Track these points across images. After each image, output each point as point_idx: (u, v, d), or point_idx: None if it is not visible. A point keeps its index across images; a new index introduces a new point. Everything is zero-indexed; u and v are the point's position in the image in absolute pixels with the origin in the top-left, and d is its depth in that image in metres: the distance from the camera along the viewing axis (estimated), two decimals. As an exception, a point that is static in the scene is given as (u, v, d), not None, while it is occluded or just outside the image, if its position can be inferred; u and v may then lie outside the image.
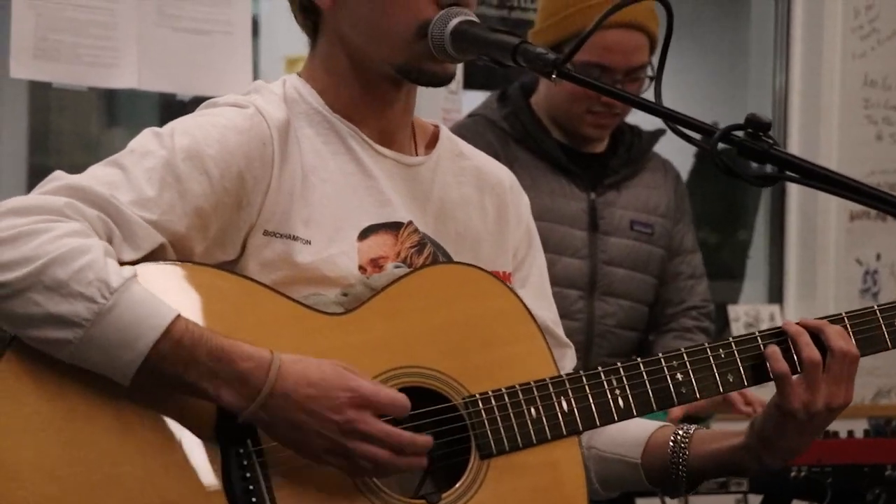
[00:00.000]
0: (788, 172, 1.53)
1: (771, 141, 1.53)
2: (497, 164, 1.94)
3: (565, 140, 2.79)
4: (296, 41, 4.94)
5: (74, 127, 6.30)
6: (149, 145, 1.64)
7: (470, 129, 2.73)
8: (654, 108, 1.58)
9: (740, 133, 1.54)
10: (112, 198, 1.58)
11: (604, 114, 2.73)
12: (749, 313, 4.02)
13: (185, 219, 1.61)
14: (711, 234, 4.28)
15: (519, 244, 1.92)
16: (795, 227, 4.08)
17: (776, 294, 4.13)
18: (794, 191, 4.05)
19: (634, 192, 2.83)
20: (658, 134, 2.90)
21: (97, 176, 1.61)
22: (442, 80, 1.76)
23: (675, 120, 1.57)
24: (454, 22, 1.68)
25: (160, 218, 1.60)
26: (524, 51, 1.61)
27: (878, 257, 4.08)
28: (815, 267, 4.04)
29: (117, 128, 6.51)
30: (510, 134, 2.76)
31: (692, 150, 4.08)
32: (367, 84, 1.77)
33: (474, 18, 1.69)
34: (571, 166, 2.77)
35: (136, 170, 1.61)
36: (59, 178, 1.60)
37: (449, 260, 1.80)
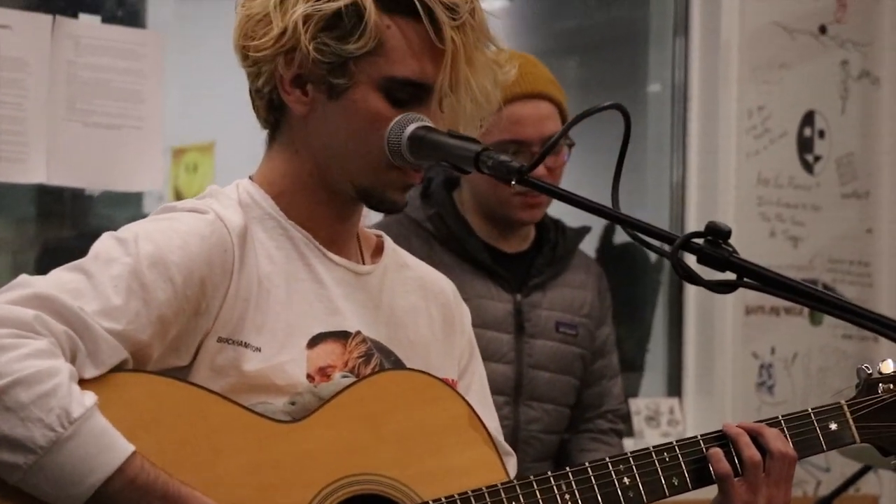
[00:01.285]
0: (747, 279, 1.55)
1: (731, 248, 1.55)
2: (438, 274, 1.95)
3: (490, 239, 2.74)
4: (180, 133, 4.89)
5: (-56, 217, 6.16)
6: (113, 252, 1.61)
7: (393, 231, 2.65)
8: (612, 215, 1.60)
9: (700, 240, 1.55)
10: (80, 310, 1.54)
11: (531, 193, 2.65)
12: (650, 406, 4.05)
13: (150, 327, 1.59)
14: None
15: (462, 352, 1.93)
16: (693, 321, 4.13)
17: (675, 386, 4.17)
18: (692, 286, 4.10)
19: (559, 293, 2.79)
20: (583, 232, 2.88)
21: (63, 283, 1.57)
22: (398, 210, 1.78)
23: (634, 227, 1.59)
24: (411, 127, 1.68)
25: (126, 328, 1.57)
26: (487, 158, 1.62)
27: (773, 351, 4.15)
28: (713, 360, 4.09)
29: (-8, 218, 6.38)
30: (435, 236, 2.71)
31: (592, 243, 4.13)
32: (327, 197, 1.76)
33: (430, 124, 1.69)
34: (496, 268, 2.72)
35: (101, 277, 1.57)
36: (25, 284, 1.56)
37: (398, 366, 1.79)
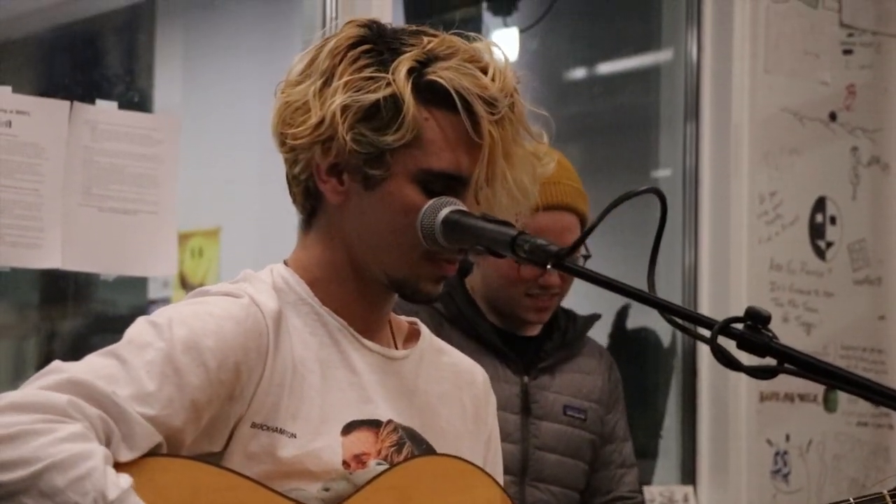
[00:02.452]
0: (787, 365, 1.53)
1: (770, 333, 1.53)
2: (471, 362, 1.93)
3: (500, 323, 2.76)
4: (186, 217, 4.91)
5: (-55, 302, 6.15)
6: (146, 336, 1.59)
7: (403, 308, 2.69)
8: (650, 299, 1.58)
9: (739, 325, 1.54)
10: (113, 394, 1.53)
11: (542, 296, 2.71)
12: (664, 494, 4.01)
13: (183, 412, 1.57)
14: (624, 414, 4.29)
15: (484, 442, 1.90)
16: (706, 408, 4.10)
17: (689, 474, 4.12)
18: (705, 371, 4.08)
19: (568, 377, 2.80)
20: (593, 319, 2.89)
21: (96, 368, 1.55)
22: (432, 301, 1.76)
23: (671, 311, 1.57)
24: (445, 211, 1.67)
25: (159, 413, 1.55)
26: (523, 242, 1.61)
27: (788, 438, 4.11)
28: (727, 448, 4.05)
29: (-5, 303, 6.37)
30: (444, 315, 2.73)
31: (605, 328, 4.11)
32: (360, 286, 1.75)
33: (464, 208, 1.68)
34: (505, 349, 2.74)
35: (135, 362, 1.56)
36: (59, 370, 1.55)
37: (430, 453, 1.77)
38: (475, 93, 1.68)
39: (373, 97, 1.66)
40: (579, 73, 5.06)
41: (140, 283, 4.24)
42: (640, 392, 4.22)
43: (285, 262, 1.78)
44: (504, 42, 4.49)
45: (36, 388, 1.53)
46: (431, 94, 1.68)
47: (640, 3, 4.53)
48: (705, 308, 4.08)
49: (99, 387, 1.53)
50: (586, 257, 2.75)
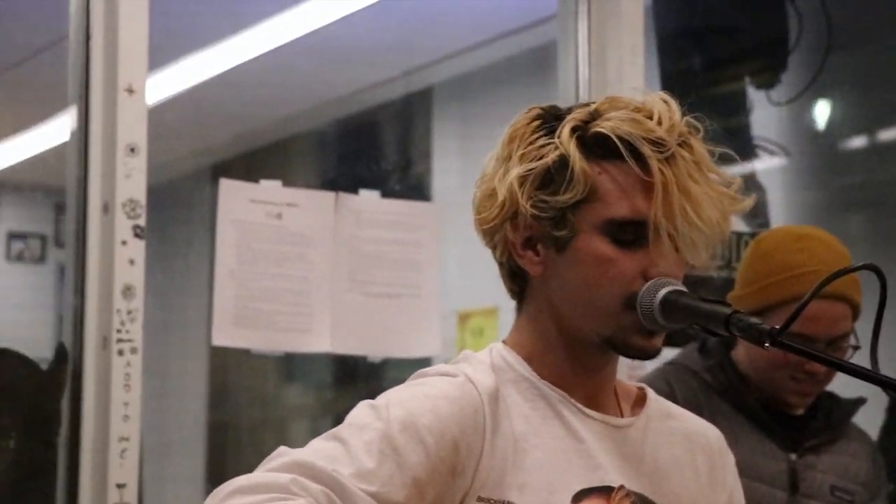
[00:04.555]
0: None
1: None
2: (704, 423, 1.93)
3: (764, 399, 2.76)
4: (467, 297, 4.99)
5: (251, 384, 6.50)
6: (365, 418, 1.68)
7: (672, 376, 2.73)
8: (873, 377, 1.56)
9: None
10: (334, 472, 1.60)
11: (806, 382, 2.69)
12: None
13: (404, 489, 1.63)
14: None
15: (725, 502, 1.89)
16: None
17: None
18: None
19: (834, 458, 2.76)
20: (858, 403, 2.84)
21: (318, 450, 1.64)
22: (649, 355, 1.76)
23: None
24: (663, 292, 1.70)
25: (380, 489, 1.62)
26: (737, 321, 1.62)
27: None
28: None
29: (293, 384, 6.67)
30: (713, 386, 2.74)
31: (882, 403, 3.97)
32: (575, 352, 1.79)
33: (682, 288, 1.71)
34: (773, 425, 2.73)
35: (355, 443, 1.64)
36: (283, 454, 1.64)
37: None
38: (639, 136, 1.70)
39: (544, 163, 1.73)
40: (852, 142, 4.96)
41: (424, 364, 4.38)
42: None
43: (504, 342, 1.84)
44: (767, 115, 4.46)
45: (261, 471, 1.61)
46: (599, 148, 1.72)
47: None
48: None
49: (320, 466, 1.60)
50: (856, 348, 2.70)
